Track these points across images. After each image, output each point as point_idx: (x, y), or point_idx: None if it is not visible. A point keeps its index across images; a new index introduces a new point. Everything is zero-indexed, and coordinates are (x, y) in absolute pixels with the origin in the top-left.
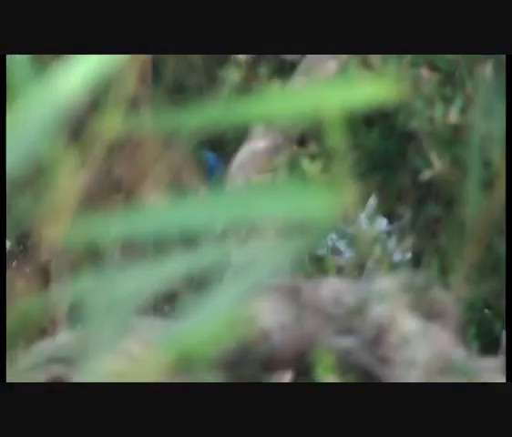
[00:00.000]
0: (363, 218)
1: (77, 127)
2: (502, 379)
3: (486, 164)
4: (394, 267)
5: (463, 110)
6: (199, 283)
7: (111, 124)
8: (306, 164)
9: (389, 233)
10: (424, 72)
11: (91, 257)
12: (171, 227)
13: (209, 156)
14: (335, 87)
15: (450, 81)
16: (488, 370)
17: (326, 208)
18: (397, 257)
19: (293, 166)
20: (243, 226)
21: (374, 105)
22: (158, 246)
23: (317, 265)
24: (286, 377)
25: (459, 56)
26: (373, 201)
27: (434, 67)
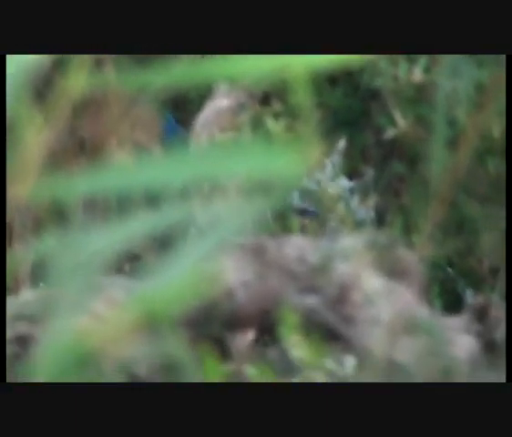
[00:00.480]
0: (325, 176)
1: (42, 85)
2: (465, 338)
3: (451, 123)
4: (357, 225)
5: (427, 69)
6: (162, 242)
7: (75, 82)
8: (270, 123)
9: (352, 191)
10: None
11: (55, 215)
12: (135, 185)
13: (167, 117)
14: (297, 57)
15: None
16: (452, 329)
17: (290, 166)
18: (361, 215)
19: (257, 124)
20: (207, 184)
21: (338, 64)
22: (122, 205)
23: (281, 223)
24: (250, 335)
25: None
26: (335, 159)
27: None
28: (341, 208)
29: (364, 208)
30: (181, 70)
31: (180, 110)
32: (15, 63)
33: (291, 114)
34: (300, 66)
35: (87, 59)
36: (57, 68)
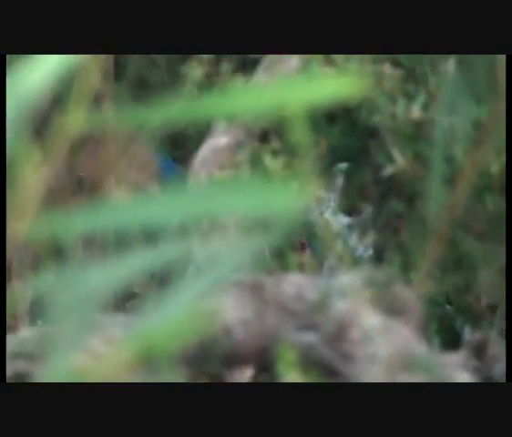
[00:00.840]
0: (324, 213)
1: (41, 123)
2: (463, 375)
3: (449, 160)
4: (355, 262)
5: (425, 106)
6: (161, 280)
7: (74, 120)
8: (268, 160)
9: (350, 228)
10: (387, 68)
11: (54, 253)
12: (133, 223)
13: (164, 156)
14: (297, 84)
15: (412, 77)
16: (450, 366)
17: (288, 204)
18: (359, 252)
19: (255, 162)
20: (205, 222)
21: (337, 102)
22: (121, 242)
23: (279, 260)
24: (248, 373)
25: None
26: (334, 196)
27: (396, 63)
28: (339, 245)
29: (363, 246)
30: (179, 108)
31: (179, 148)
32: (14, 97)
33: (289, 151)
34: (298, 103)
35: (85, 96)
36: (56, 105)
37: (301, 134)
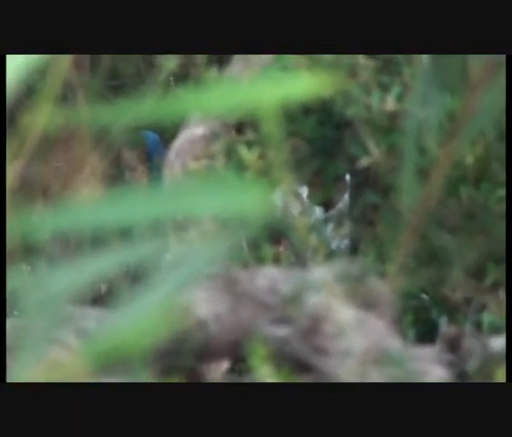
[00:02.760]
0: (299, 205)
1: (11, 118)
2: (437, 369)
3: (423, 152)
4: (331, 255)
5: (400, 98)
6: (135, 276)
7: (45, 115)
8: (243, 151)
9: (326, 221)
10: (361, 59)
11: (26, 250)
12: (107, 221)
13: (150, 136)
14: (271, 80)
15: (387, 68)
16: (424, 359)
17: (262, 199)
18: (334, 245)
19: (230, 153)
20: (180, 218)
21: (310, 97)
22: (96, 239)
23: (255, 253)
24: (222, 366)
25: None
26: (309, 189)
27: (370, 55)
28: (314, 237)
29: (338, 237)
30: (153, 103)
31: (162, 131)
32: None
33: (264, 142)
34: (272, 99)
35: (57, 90)
36: (27, 99)
37: (274, 126)
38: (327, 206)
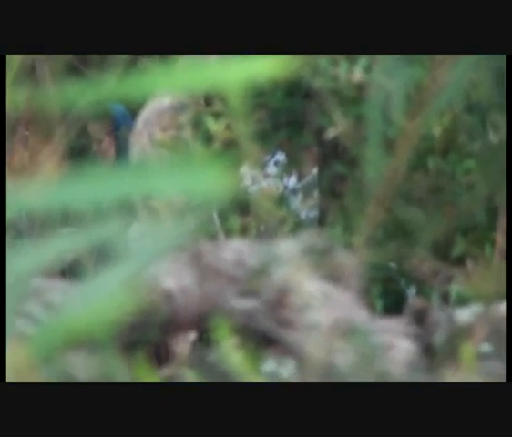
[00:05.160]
0: (266, 176)
1: None
2: (403, 341)
3: (389, 123)
4: (299, 225)
5: (367, 69)
6: (102, 249)
7: (11, 91)
8: (210, 122)
9: (294, 192)
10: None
11: None
12: (73, 198)
13: (117, 108)
14: (238, 61)
15: None
16: (390, 332)
17: (229, 173)
18: (303, 215)
19: (198, 124)
20: (146, 199)
21: (277, 74)
22: (63, 215)
23: (222, 225)
24: (188, 339)
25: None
26: (277, 159)
27: None
28: (282, 208)
29: (306, 209)
30: (116, 84)
31: (128, 104)
32: None
33: (231, 114)
34: (239, 72)
35: (21, 69)
36: None
37: (240, 98)
38: (295, 177)
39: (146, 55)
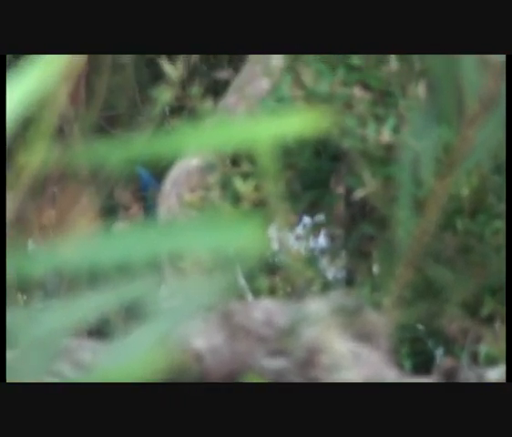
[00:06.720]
0: (296, 237)
1: (8, 152)
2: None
3: (419, 184)
4: (326, 286)
5: (395, 129)
6: (132, 309)
7: (41, 150)
8: (239, 183)
9: (322, 252)
10: (357, 91)
11: (23, 284)
12: (103, 257)
13: (142, 172)
14: (267, 116)
15: (382, 100)
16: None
17: (258, 234)
18: (330, 276)
19: (226, 184)
20: (175, 258)
21: (306, 133)
22: (92, 275)
23: (250, 285)
24: None
25: (391, 75)
26: (305, 221)
27: (366, 86)
28: (310, 269)
29: (334, 269)
30: (146, 142)
31: (150, 167)
32: None
33: (259, 174)
34: (268, 132)
35: (51, 125)
36: (18, 140)
37: (269, 159)
38: (324, 237)
39: (174, 116)
